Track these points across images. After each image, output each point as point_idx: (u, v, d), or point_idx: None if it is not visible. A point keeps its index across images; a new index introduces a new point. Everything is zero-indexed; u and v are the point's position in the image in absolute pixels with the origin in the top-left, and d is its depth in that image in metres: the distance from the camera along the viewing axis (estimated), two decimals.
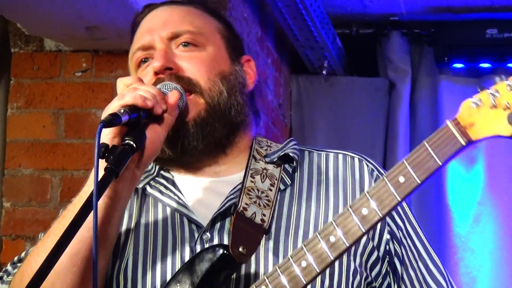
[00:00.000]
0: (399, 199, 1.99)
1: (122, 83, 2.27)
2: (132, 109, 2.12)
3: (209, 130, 2.38)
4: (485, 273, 5.17)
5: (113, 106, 2.14)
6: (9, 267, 2.45)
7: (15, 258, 2.49)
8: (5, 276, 2.41)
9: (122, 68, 4.59)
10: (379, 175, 2.43)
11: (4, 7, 4.25)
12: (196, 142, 2.37)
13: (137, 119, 2.13)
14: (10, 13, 4.37)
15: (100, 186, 1.99)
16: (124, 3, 4.10)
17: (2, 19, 4.66)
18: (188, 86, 2.38)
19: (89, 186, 2.15)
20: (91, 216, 1.94)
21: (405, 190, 1.99)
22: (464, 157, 4.93)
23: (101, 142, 2.03)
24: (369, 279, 2.33)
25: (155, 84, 2.35)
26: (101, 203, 2.10)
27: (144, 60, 2.47)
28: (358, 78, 6.39)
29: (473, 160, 5.58)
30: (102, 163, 2.03)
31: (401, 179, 1.98)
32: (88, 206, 1.95)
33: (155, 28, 2.47)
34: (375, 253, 2.34)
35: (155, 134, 2.19)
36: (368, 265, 2.33)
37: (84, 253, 2.16)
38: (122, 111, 2.09)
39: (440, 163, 1.96)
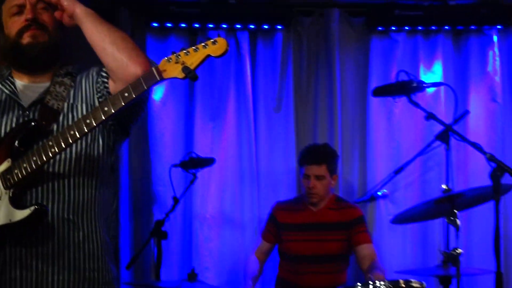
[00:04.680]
0: (123, 104, 1.97)
1: None
2: None
3: (41, 50, 2.20)
4: None
5: None
6: None
7: None
8: None
9: None
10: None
11: None
12: (33, 51, 2.19)
13: None
14: None
15: None
16: None
17: None
18: (43, 28, 2.18)
19: None
20: None
21: (128, 99, 1.97)
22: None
23: None
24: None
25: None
26: None
27: (17, 13, 2.21)
28: None
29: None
30: None
31: (126, 94, 1.97)
32: None
33: None
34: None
35: None
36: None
37: None
38: None
39: (145, 88, 1.96)
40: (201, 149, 4.39)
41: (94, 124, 1.99)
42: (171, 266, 4.40)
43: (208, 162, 4.02)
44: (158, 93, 4.57)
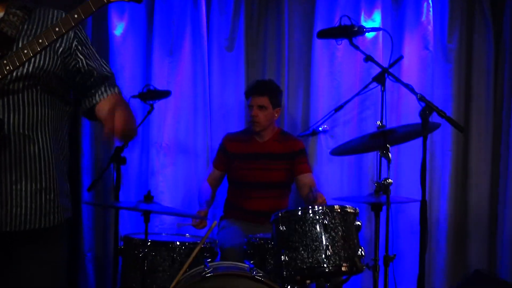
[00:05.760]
0: (73, 24, 1.83)
1: None
2: None
3: None
4: None
5: None
6: None
7: None
8: None
9: None
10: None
11: None
12: None
13: None
14: None
15: None
16: None
17: None
18: None
19: None
20: None
21: (78, 20, 1.82)
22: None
23: None
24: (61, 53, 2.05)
25: None
26: None
27: None
28: None
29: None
30: None
31: (75, 16, 1.78)
32: None
33: None
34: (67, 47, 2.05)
35: None
36: (59, 52, 2.03)
37: None
38: None
39: (94, 10, 1.82)
40: (158, 82, 4.25)
41: (46, 43, 1.88)
42: (129, 189, 4.31)
43: (164, 94, 3.92)
44: (118, 29, 4.35)
